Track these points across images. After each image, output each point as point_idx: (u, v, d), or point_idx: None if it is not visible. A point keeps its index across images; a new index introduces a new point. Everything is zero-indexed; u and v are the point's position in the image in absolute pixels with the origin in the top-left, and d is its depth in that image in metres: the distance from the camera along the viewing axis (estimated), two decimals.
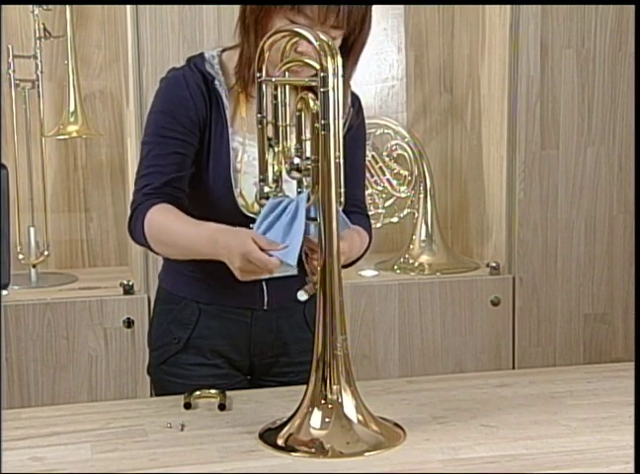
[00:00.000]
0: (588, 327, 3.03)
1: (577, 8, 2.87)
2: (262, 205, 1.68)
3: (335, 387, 1.56)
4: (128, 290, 2.79)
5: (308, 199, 1.60)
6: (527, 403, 1.76)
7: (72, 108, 2.97)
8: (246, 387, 1.93)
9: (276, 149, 1.67)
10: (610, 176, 2.98)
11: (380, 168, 3.08)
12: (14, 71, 2.92)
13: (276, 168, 1.68)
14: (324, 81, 1.54)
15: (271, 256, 1.59)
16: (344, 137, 1.58)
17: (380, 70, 3.26)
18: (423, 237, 3.09)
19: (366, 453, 1.52)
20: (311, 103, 1.59)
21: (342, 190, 1.58)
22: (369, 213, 1.99)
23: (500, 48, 2.93)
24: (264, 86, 1.66)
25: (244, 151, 1.83)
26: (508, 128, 2.91)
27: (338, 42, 1.72)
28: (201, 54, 1.86)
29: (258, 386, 1.93)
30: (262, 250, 1.59)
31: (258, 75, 1.66)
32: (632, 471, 1.45)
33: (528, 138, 2.91)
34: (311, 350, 1.58)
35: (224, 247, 1.63)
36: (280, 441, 1.55)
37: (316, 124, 1.56)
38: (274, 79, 1.65)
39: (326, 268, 1.56)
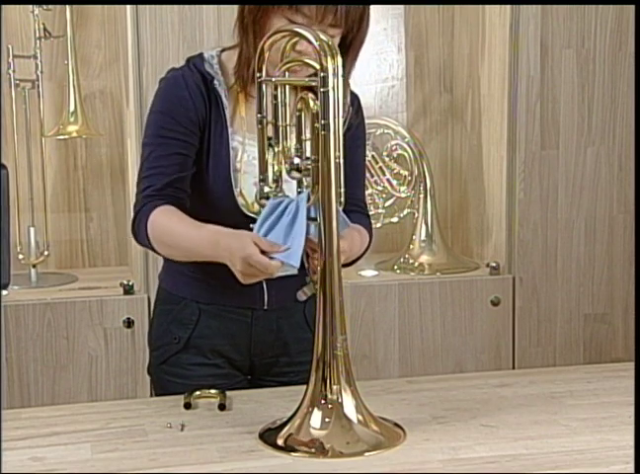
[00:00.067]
0: (588, 327, 3.03)
1: (577, 8, 2.87)
2: (262, 206, 1.68)
3: (335, 387, 1.56)
4: (128, 290, 2.79)
5: (308, 199, 1.60)
6: (527, 403, 1.76)
7: (72, 108, 2.97)
8: (246, 387, 1.93)
9: (276, 149, 1.67)
10: (610, 176, 2.98)
11: (380, 168, 3.08)
12: (14, 71, 2.92)
13: (276, 168, 1.68)
14: (324, 81, 1.54)
15: (272, 258, 1.59)
16: (343, 136, 1.58)
17: (380, 70, 3.26)
18: (423, 237, 3.09)
19: (366, 453, 1.52)
20: (311, 103, 1.59)
21: (342, 190, 1.58)
22: (369, 213, 1.99)
23: (500, 48, 2.93)
24: (264, 86, 1.66)
25: (244, 151, 1.83)
26: (508, 128, 2.91)
27: (336, 41, 1.72)
28: (201, 54, 1.87)
29: (258, 386, 1.93)
30: (263, 252, 1.59)
31: (258, 75, 1.66)
32: (632, 471, 1.45)
33: (528, 138, 2.91)
34: (311, 349, 1.58)
35: (226, 249, 1.63)
36: (279, 441, 1.55)
37: (316, 124, 1.56)
38: (274, 79, 1.65)
39: (326, 268, 1.56)
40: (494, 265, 2.96)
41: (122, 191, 3.14)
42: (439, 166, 3.27)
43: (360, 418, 1.56)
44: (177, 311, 1.92)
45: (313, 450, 1.52)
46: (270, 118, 1.67)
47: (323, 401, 1.56)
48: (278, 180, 1.68)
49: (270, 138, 1.67)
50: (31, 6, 2.95)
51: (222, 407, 1.72)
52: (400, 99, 3.28)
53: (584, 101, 2.92)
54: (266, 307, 1.90)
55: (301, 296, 1.64)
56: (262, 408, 1.73)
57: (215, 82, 1.82)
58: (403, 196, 3.09)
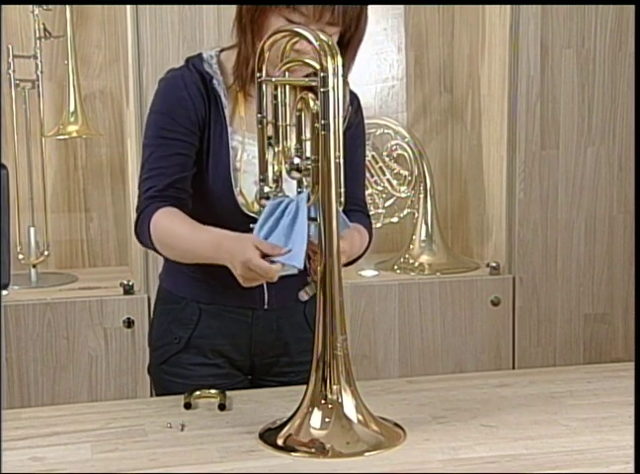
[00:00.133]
0: (588, 327, 3.03)
1: (577, 8, 2.87)
2: (262, 206, 1.68)
3: (335, 387, 1.56)
4: (128, 290, 2.79)
5: (308, 200, 1.60)
6: (527, 403, 1.76)
7: (72, 108, 2.97)
8: (247, 387, 1.93)
9: (276, 149, 1.67)
10: (610, 176, 2.98)
11: (380, 168, 3.08)
12: (14, 71, 2.92)
13: (276, 168, 1.68)
14: (324, 81, 1.54)
15: (273, 262, 1.59)
16: (343, 136, 1.58)
17: (380, 70, 3.26)
18: (423, 237, 3.09)
19: (366, 453, 1.52)
20: (311, 103, 1.59)
21: (342, 190, 1.58)
22: (370, 213, 1.99)
23: (500, 48, 2.93)
24: (264, 86, 1.66)
25: (243, 150, 1.83)
26: (508, 128, 2.91)
27: (335, 39, 1.72)
28: (200, 55, 1.87)
29: (258, 386, 1.93)
30: (265, 256, 1.59)
31: (258, 75, 1.66)
32: (632, 471, 1.45)
33: (528, 138, 2.91)
34: (311, 349, 1.58)
35: (227, 252, 1.64)
36: (280, 441, 1.55)
37: (316, 124, 1.56)
38: (274, 79, 1.65)
39: (326, 268, 1.56)
40: (494, 265, 2.96)
41: (122, 191, 3.14)
42: (439, 166, 3.27)
43: (360, 418, 1.56)
44: (177, 311, 1.92)
45: (313, 450, 1.52)
46: (270, 117, 1.67)
47: (323, 401, 1.56)
48: (278, 180, 1.68)
49: (270, 138, 1.67)
50: (31, 6, 2.95)
51: (222, 407, 1.72)
52: (400, 99, 3.28)
53: (584, 101, 2.92)
54: (266, 307, 1.90)
55: (303, 296, 1.64)
56: (262, 408, 1.73)
57: (214, 81, 1.83)
58: (403, 196, 3.09)
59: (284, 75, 1.67)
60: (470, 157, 3.21)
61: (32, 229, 3.00)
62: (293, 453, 1.52)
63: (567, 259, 2.99)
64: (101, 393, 2.78)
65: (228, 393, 1.77)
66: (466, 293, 2.94)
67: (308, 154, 1.62)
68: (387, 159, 3.08)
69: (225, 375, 1.92)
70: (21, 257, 2.97)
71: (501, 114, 2.94)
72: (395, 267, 3.05)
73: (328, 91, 1.54)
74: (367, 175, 2.98)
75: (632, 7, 2.87)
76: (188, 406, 1.73)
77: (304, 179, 1.63)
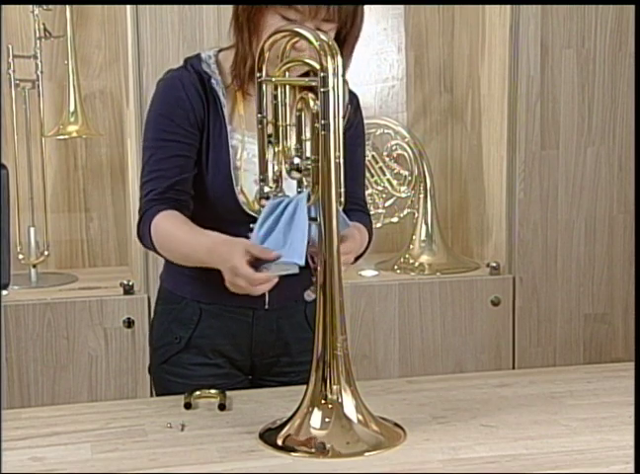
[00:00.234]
0: (588, 327, 3.03)
1: (577, 8, 2.87)
2: (262, 206, 1.68)
3: (335, 387, 1.56)
4: (128, 290, 2.79)
5: (308, 199, 1.60)
6: (527, 403, 1.76)
7: (72, 108, 2.97)
8: (247, 387, 1.93)
9: (276, 149, 1.67)
10: (610, 176, 2.98)
11: (380, 168, 3.08)
12: (14, 71, 2.92)
13: (276, 168, 1.68)
14: (324, 81, 1.54)
15: (274, 261, 1.59)
16: (343, 136, 1.58)
17: (380, 70, 3.26)
18: (423, 237, 3.09)
19: (366, 453, 1.52)
20: (311, 103, 1.59)
21: (342, 189, 1.58)
22: (370, 212, 2.00)
23: (500, 48, 2.93)
24: (264, 86, 1.66)
25: (243, 148, 1.83)
26: (508, 128, 2.91)
27: (331, 36, 1.73)
28: (198, 55, 1.88)
29: (259, 386, 1.93)
30: (257, 260, 1.59)
31: (258, 75, 1.67)
32: (632, 471, 1.45)
33: (528, 138, 2.91)
34: (312, 349, 1.58)
35: (219, 257, 1.65)
36: (280, 441, 1.55)
37: (316, 124, 1.56)
38: (274, 79, 1.65)
39: (326, 268, 1.56)
40: (494, 265, 2.96)
41: (122, 191, 3.14)
42: (439, 166, 3.27)
43: (361, 418, 1.56)
44: (178, 311, 1.92)
45: (313, 450, 1.52)
46: (270, 117, 1.67)
47: (323, 401, 1.56)
48: (278, 180, 1.68)
49: (270, 137, 1.67)
50: (31, 6, 2.95)
51: (222, 407, 1.72)
52: (400, 99, 3.28)
53: (584, 101, 2.92)
54: (267, 307, 1.90)
55: (310, 296, 1.63)
56: (262, 408, 1.73)
57: (213, 81, 1.83)
58: (403, 196, 3.09)
59: (284, 75, 1.67)
60: (470, 157, 3.21)
61: (32, 229, 3.00)
62: (293, 453, 1.52)
63: (567, 259, 2.99)
64: (101, 393, 2.78)
65: (228, 393, 1.77)
66: (466, 293, 2.94)
67: (308, 154, 1.62)
68: (387, 159, 3.08)
69: (226, 375, 1.92)
70: (21, 257, 2.97)
71: (501, 114, 2.95)
72: (395, 267, 3.05)
73: (328, 91, 1.54)
74: (367, 175, 2.99)
75: (632, 7, 2.87)
76: (188, 406, 1.73)
77: (304, 179, 1.63)
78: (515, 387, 1.85)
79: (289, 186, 1.70)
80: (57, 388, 2.75)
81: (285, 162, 1.66)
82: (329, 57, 1.54)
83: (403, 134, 3.09)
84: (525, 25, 2.85)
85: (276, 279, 1.62)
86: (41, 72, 2.95)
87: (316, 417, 1.55)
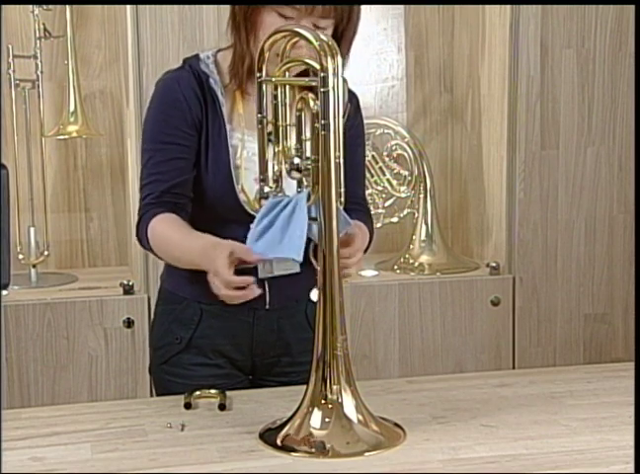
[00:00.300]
0: (588, 327, 3.03)
1: (577, 8, 2.87)
2: (262, 205, 1.69)
3: (335, 387, 1.56)
4: (128, 290, 2.79)
5: (308, 199, 1.60)
6: (527, 403, 1.76)
7: (72, 108, 2.97)
8: (247, 387, 1.93)
9: (276, 149, 1.67)
10: (610, 176, 2.98)
11: (380, 168, 3.08)
12: (14, 71, 2.92)
13: (276, 168, 1.68)
14: (324, 81, 1.54)
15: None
16: (343, 135, 1.58)
17: (380, 70, 3.26)
18: (423, 237, 3.09)
19: (366, 453, 1.52)
20: (311, 103, 1.59)
21: (342, 189, 1.58)
22: (370, 210, 2.01)
23: (500, 48, 2.93)
24: (264, 86, 1.66)
25: (243, 147, 1.84)
26: (508, 128, 2.91)
27: (329, 33, 1.74)
28: (197, 55, 1.89)
29: (259, 386, 1.93)
30: (243, 262, 1.60)
31: (258, 75, 1.67)
32: (632, 471, 1.45)
33: (528, 138, 2.91)
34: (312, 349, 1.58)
35: (207, 257, 1.65)
36: (280, 441, 1.55)
37: (316, 124, 1.56)
38: (274, 79, 1.66)
39: (326, 268, 1.56)
40: (494, 265, 2.96)
41: (122, 191, 3.14)
42: (439, 166, 3.27)
43: (361, 418, 1.56)
44: (179, 311, 1.92)
45: (313, 450, 1.52)
46: (270, 117, 1.67)
47: (323, 401, 1.56)
48: (278, 180, 1.68)
49: (270, 135, 1.68)
50: (31, 6, 2.95)
51: (222, 407, 1.72)
52: (400, 99, 3.28)
53: (584, 101, 2.92)
54: (267, 307, 1.89)
55: (315, 296, 1.63)
56: (262, 408, 1.73)
57: (211, 80, 1.84)
58: (403, 196, 3.09)
59: (284, 75, 1.67)
60: (470, 157, 3.21)
61: (32, 229, 3.00)
62: (293, 453, 1.52)
63: (567, 259, 2.99)
64: (101, 393, 2.78)
65: (228, 393, 1.77)
66: (466, 293, 2.94)
67: (308, 154, 1.62)
68: (387, 159, 3.08)
69: (226, 376, 1.92)
70: (21, 257, 2.97)
71: (501, 114, 2.95)
72: (395, 267, 3.05)
73: (328, 91, 1.54)
74: (367, 175, 2.99)
75: (632, 7, 2.87)
76: (188, 406, 1.73)
77: (304, 179, 1.63)
78: (515, 387, 1.85)
79: (289, 186, 1.70)
80: (57, 388, 2.75)
81: (285, 162, 1.66)
82: (329, 57, 1.54)
83: (403, 134, 3.09)
84: (525, 25, 2.85)
85: (255, 293, 1.62)
86: (41, 72, 2.95)
87: (316, 417, 1.55)
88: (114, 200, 3.19)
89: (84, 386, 2.77)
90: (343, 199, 1.59)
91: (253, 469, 1.47)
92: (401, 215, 3.09)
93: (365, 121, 2.00)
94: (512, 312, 2.98)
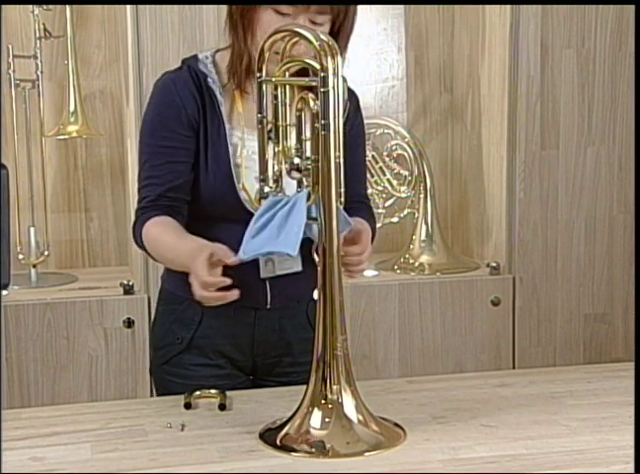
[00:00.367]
0: (588, 327, 3.03)
1: (577, 8, 2.87)
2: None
3: (335, 387, 1.56)
4: (128, 290, 2.79)
5: (308, 198, 1.60)
6: (527, 403, 1.76)
7: (72, 108, 2.97)
8: (248, 387, 1.92)
9: (276, 149, 1.67)
10: (610, 176, 2.98)
11: (380, 168, 3.08)
12: (14, 71, 2.92)
13: (276, 168, 1.68)
14: (324, 81, 1.54)
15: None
16: (344, 134, 1.58)
17: (380, 70, 3.26)
18: (423, 237, 3.09)
19: (366, 453, 1.52)
20: (311, 103, 1.59)
21: (342, 189, 1.58)
22: (372, 206, 2.02)
23: (500, 48, 2.93)
24: (264, 86, 1.66)
25: (243, 146, 1.84)
26: (508, 128, 2.91)
27: (326, 28, 1.75)
28: (195, 56, 1.90)
29: (260, 386, 1.93)
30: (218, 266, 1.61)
31: (258, 75, 1.67)
32: (632, 471, 1.45)
33: (528, 138, 2.91)
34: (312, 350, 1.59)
35: (193, 259, 1.65)
36: (279, 441, 1.55)
37: (316, 124, 1.56)
38: (274, 79, 1.66)
39: (326, 268, 1.56)
40: (494, 265, 2.96)
41: (122, 191, 3.14)
42: (439, 166, 3.27)
43: (361, 418, 1.56)
44: (179, 311, 1.92)
45: (313, 450, 1.52)
46: (270, 117, 1.67)
47: (323, 401, 1.56)
48: (278, 180, 1.68)
49: (270, 132, 1.68)
50: (31, 6, 2.95)
51: (222, 407, 1.72)
52: (400, 99, 3.28)
53: (584, 101, 2.92)
54: (269, 306, 1.89)
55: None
56: (262, 408, 1.73)
57: (209, 80, 1.84)
58: (403, 196, 3.09)
59: (284, 75, 1.67)
60: (470, 157, 3.21)
61: (32, 229, 3.00)
62: (293, 453, 1.52)
63: (567, 259, 2.99)
64: (101, 393, 2.78)
65: (228, 393, 1.77)
66: (466, 293, 2.94)
67: (308, 154, 1.62)
68: (387, 159, 3.08)
69: (227, 376, 1.92)
70: (21, 257, 2.97)
71: (501, 114, 2.94)
72: (395, 267, 3.05)
73: (328, 91, 1.54)
74: (367, 175, 2.98)
75: (632, 7, 2.87)
76: (188, 406, 1.73)
77: (304, 179, 1.63)
78: (515, 387, 1.85)
79: (289, 186, 1.70)
80: (57, 388, 2.75)
81: (285, 162, 1.66)
82: (329, 57, 1.54)
83: (403, 134, 3.08)
84: (525, 25, 2.85)
85: (233, 295, 1.62)
86: (41, 72, 2.95)
87: (316, 417, 1.55)
88: (114, 200, 3.19)
89: (84, 386, 2.77)
90: (343, 199, 1.59)
91: (253, 469, 1.47)
92: (401, 215, 3.09)
93: (365, 121, 2.00)
94: (512, 312, 2.98)
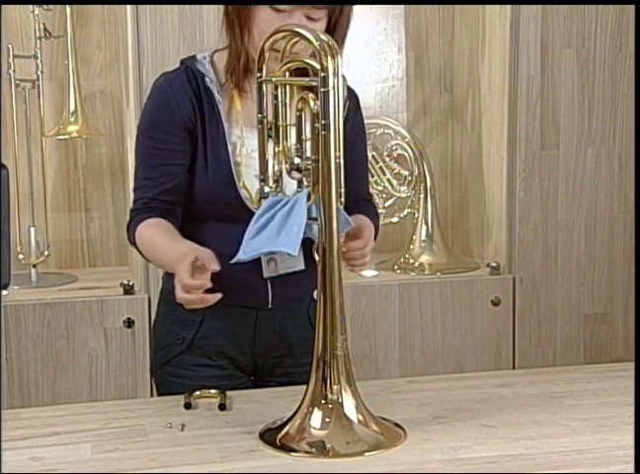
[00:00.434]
0: (588, 327, 3.03)
1: (577, 8, 2.87)
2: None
3: (335, 387, 1.56)
4: (128, 290, 2.79)
5: (308, 198, 1.60)
6: (527, 403, 1.76)
7: (72, 108, 2.97)
8: (250, 388, 1.92)
9: (276, 149, 1.67)
10: (610, 176, 2.98)
11: (380, 168, 3.08)
12: (14, 71, 2.92)
13: (276, 168, 1.68)
14: (324, 81, 1.54)
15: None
16: (344, 134, 1.58)
17: (380, 70, 3.26)
18: (423, 237, 3.08)
19: (366, 453, 1.52)
20: (311, 103, 1.59)
21: (342, 189, 1.59)
22: (375, 202, 2.03)
23: (500, 48, 2.93)
24: (264, 86, 1.67)
25: (242, 144, 1.84)
26: (508, 128, 2.91)
27: (323, 23, 1.76)
28: (193, 56, 1.90)
29: (261, 387, 1.92)
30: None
31: (258, 75, 1.67)
32: (632, 471, 1.45)
33: (528, 138, 2.91)
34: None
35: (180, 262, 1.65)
36: (279, 441, 1.55)
37: (316, 124, 1.56)
38: (274, 79, 1.66)
39: (326, 268, 1.56)
40: (494, 265, 2.96)
41: (122, 191, 3.14)
42: (439, 166, 3.27)
43: (361, 418, 1.56)
44: (180, 312, 1.91)
45: (313, 450, 1.52)
46: (270, 117, 1.67)
47: (323, 401, 1.56)
48: (278, 180, 1.68)
49: (270, 130, 1.68)
50: (31, 6, 2.95)
51: (222, 407, 1.72)
52: (400, 99, 3.28)
53: (584, 101, 2.92)
54: (270, 306, 1.89)
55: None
56: (262, 408, 1.73)
57: (207, 79, 1.85)
58: (403, 196, 3.09)
59: (285, 75, 1.67)
60: (470, 157, 3.21)
61: (32, 229, 3.00)
62: (293, 453, 1.52)
63: (567, 259, 2.99)
64: (101, 393, 2.78)
65: (228, 393, 1.77)
66: (466, 293, 2.93)
67: (308, 154, 1.62)
68: (387, 159, 3.08)
69: (228, 377, 1.92)
70: (21, 257, 2.97)
71: (501, 114, 2.94)
72: (395, 267, 3.05)
73: (328, 91, 1.54)
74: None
75: (632, 7, 2.87)
76: (188, 406, 1.73)
77: (304, 179, 1.63)
78: (515, 387, 1.85)
79: (289, 185, 1.70)
80: (57, 388, 2.75)
81: (286, 162, 1.66)
82: (329, 57, 1.54)
83: (403, 134, 3.08)
84: (525, 25, 2.85)
85: (215, 298, 1.62)
86: (42, 72, 2.95)
87: (316, 417, 1.55)
88: (114, 200, 3.19)
89: (84, 386, 2.77)
90: (343, 199, 1.59)
91: (253, 469, 1.47)
92: (401, 215, 3.09)
93: (366, 121, 2.00)
94: (512, 312, 2.98)
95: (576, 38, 2.88)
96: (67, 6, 2.96)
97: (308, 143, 1.62)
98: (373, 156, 3.05)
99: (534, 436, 1.59)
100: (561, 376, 1.93)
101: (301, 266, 1.81)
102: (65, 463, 1.50)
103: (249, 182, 1.83)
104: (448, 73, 3.29)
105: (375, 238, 1.88)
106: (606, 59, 2.91)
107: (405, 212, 3.09)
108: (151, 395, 2.66)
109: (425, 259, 3.06)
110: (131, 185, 2.82)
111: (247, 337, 1.91)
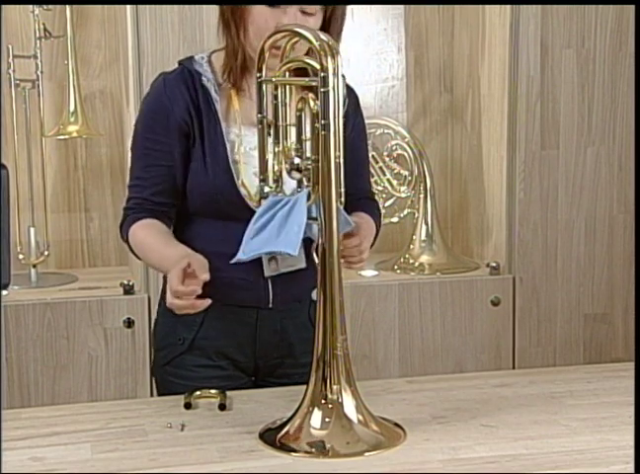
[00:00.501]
0: (588, 327, 3.03)
1: (577, 8, 2.87)
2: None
3: (335, 387, 1.56)
4: (128, 290, 2.79)
5: (308, 198, 1.60)
6: (527, 403, 1.76)
7: (72, 108, 2.97)
8: (250, 388, 1.92)
9: (276, 149, 1.67)
10: (610, 176, 2.98)
11: (380, 168, 3.08)
12: (14, 71, 2.92)
13: (276, 168, 1.68)
14: (324, 81, 1.54)
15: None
16: (343, 132, 1.58)
17: (380, 70, 3.26)
18: (423, 237, 3.09)
19: (366, 453, 1.52)
20: (311, 103, 1.59)
21: (342, 189, 1.59)
22: (377, 200, 2.03)
23: (500, 48, 2.93)
24: (264, 86, 1.67)
25: (241, 143, 1.84)
26: (508, 128, 2.91)
27: (319, 18, 1.76)
28: (191, 57, 1.90)
29: (262, 387, 1.92)
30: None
31: (258, 75, 1.67)
32: (632, 471, 1.45)
33: (528, 138, 2.91)
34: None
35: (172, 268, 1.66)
36: (279, 441, 1.55)
37: (316, 124, 1.56)
38: (274, 79, 1.66)
39: (326, 268, 1.56)
40: (494, 265, 2.96)
41: (122, 191, 3.13)
42: (439, 166, 3.27)
43: (361, 418, 1.56)
44: None
45: (313, 450, 1.52)
46: (270, 117, 1.67)
47: (323, 401, 1.56)
48: (278, 180, 1.68)
49: (269, 129, 1.68)
50: (31, 6, 2.95)
51: (222, 407, 1.72)
52: (400, 99, 3.28)
53: (584, 101, 2.92)
54: (271, 306, 1.89)
55: (316, 295, 1.63)
56: (262, 408, 1.73)
57: (204, 79, 1.85)
58: (403, 196, 3.09)
59: (285, 75, 1.67)
60: (470, 157, 3.21)
61: (32, 229, 3.00)
62: (293, 453, 1.52)
63: (567, 259, 2.99)
64: (101, 393, 2.78)
65: (228, 393, 1.77)
66: (466, 293, 2.94)
67: (308, 154, 1.62)
68: (387, 159, 3.08)
69: (229, 377, 1.91)
70: (21, 257, 2.97)
71: (501, 114, 2.94)
72: (395, 267, 3.05)
73: (328, 91, 1.54)
74: None
75: (632, 7, 2.87)
76: (188, 406, 1.73)
77: (304, 179, 1.63)
78: (515, 387, 1.85)
79: (289, 185, 1.70)
80: (57, 388, 2.75)
81: (285, 162, 1.66)
82: (329, 57, 1.54)
83: (403, 134, 3.08)
84: (525, 25, 2.85)
85: (205, 304, 1.63)
86: (41, 72, 2.95)
87: (316, 417, 1.55)
88: (114, 200, 3.19)
89: (84, 386, 2.77)
90: (343, 199, 1.60)
91: (253, 469, 1.47)
92: (401, 215, 3.09)
93: (365, 121, 2.00)
94: (512, 312, 2.98)
95: (576, 37, 2.88)
96: (67, 6, 2.96)
97: (308, 143, 1.62)
98: (373, 156, 3.05)
99: (534, 436, 1.59)
100: (561, 376, 1.93)
101: (303, 264, 1.81)
102: (65, 463, 1.50)
103: (248, 179, 1.83)
104: (448, 73, 3.29)
105: (377, 236, 1.88)
106: (606, 59, 2.91)
107: (405, 212, 3.09)
108: (151, 395, 2.66)
109: (425, 259, 3.06)
110: None
111: (248, 337, 1.91)
